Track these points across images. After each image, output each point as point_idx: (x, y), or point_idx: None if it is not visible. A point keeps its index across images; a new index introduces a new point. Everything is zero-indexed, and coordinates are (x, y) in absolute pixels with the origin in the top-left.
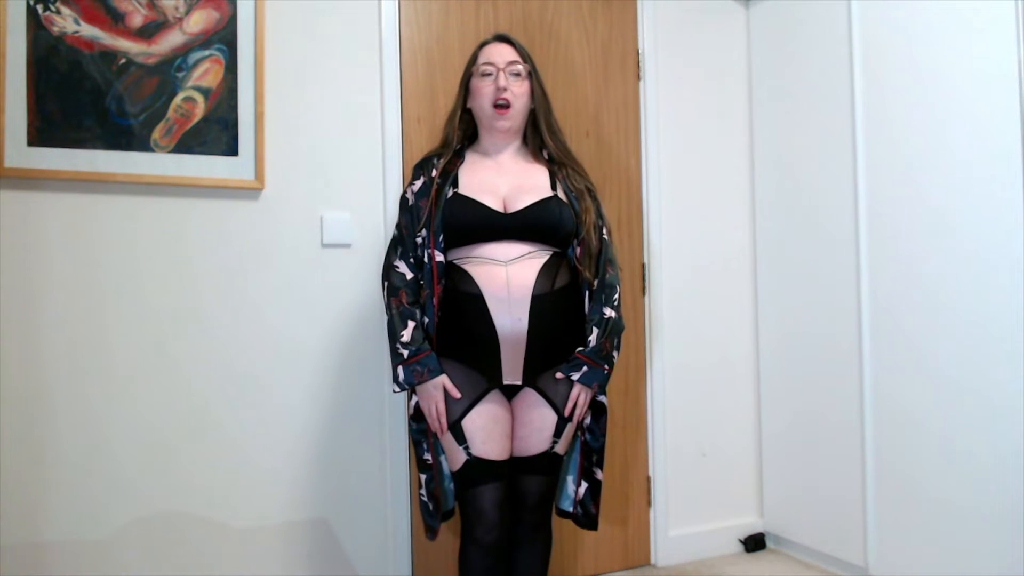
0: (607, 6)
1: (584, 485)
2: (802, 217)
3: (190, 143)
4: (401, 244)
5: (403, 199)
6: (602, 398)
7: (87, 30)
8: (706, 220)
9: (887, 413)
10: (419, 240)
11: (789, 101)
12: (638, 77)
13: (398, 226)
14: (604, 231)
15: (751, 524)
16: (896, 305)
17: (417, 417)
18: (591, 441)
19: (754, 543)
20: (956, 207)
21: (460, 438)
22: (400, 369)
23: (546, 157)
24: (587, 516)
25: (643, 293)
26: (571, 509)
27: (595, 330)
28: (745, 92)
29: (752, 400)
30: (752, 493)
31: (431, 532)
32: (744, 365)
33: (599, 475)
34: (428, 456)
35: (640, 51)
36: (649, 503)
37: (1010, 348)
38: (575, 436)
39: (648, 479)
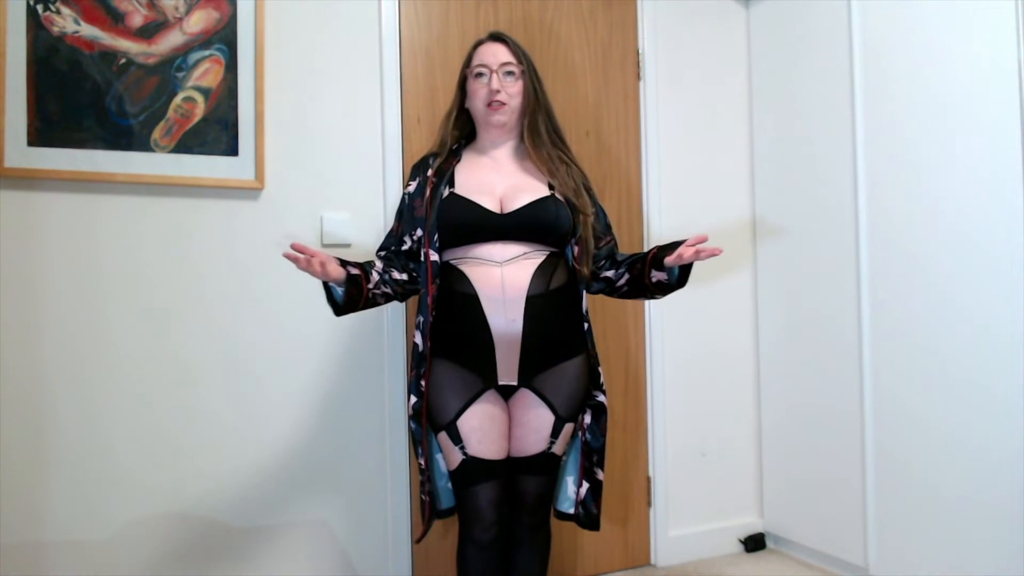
0: (607, 6)
1: (585, 485)
2: (803, 216)
3: (190, 143)
4: (383, 248)
5: (401, 200)
6: (602, 398)
7: (87, 30)
8: (706, 220)
9: (888, 412)
10: (408, 243)
11: (789, 101)
12: (638, 77)
13: (390, 229)
14: (608, 227)
15: (751, 524)
16: (897, 303)
17: (416, 417)
18: (591, 441)
19: (754, 543)
20: (956, 204)
21: (456, 438)
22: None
23: (545, 156)
24: (588, 516)
25: None
26: (571, 511)
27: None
28: (745, 92)
29: (752, 400)
30: (752, 493)
31: (420, 532)
32: (744, 365)
33: (600, 475)
34: (421, 460)
35: (640, 51)
36: (649, 503)
37: (1011, 344)
38: (574, 436)
39: (648, 479)
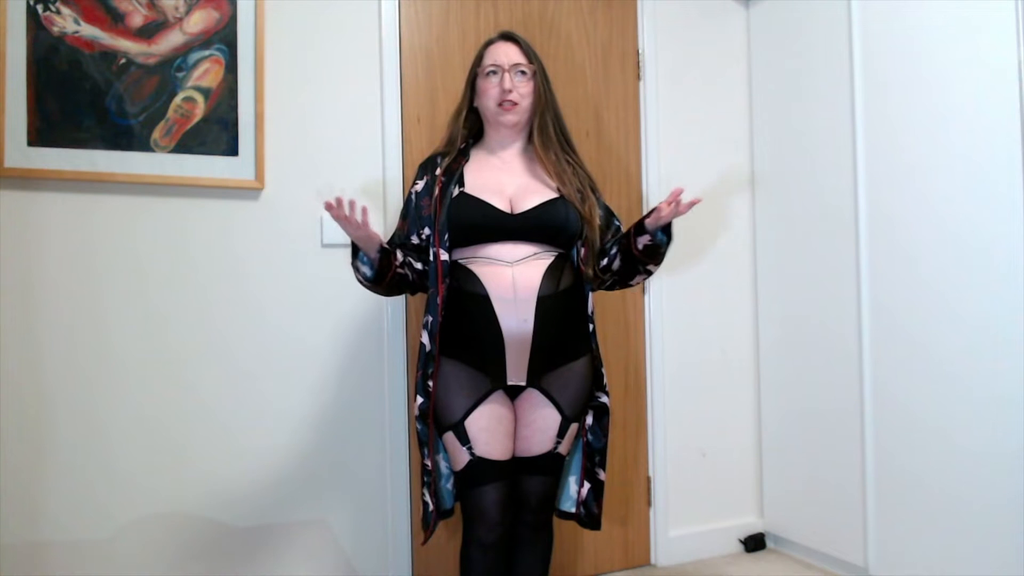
0: (607, 6)
1: (587, 486)
2: (802, 217)
3: (190, 143)
4: (390, 243)
5: (407, 199)
6: (604, 399)
7: (87, 30)
8: (707, 220)
9: (888, 412)
10: (415, 241)
11: (789, 101)
12: (638, 77)
13: (396, 228)
14: (615, 219)
15: (751, 524)
16: (896, 303)
17: (423, 418)
18: (593, 442)
19: (754, 543)
20: (956, 204)
21: (463, 438)
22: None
23: (553, 157)
24: (590, 516)
25: (643, 293)
26: (573, 510)
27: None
28: (745, 92)
29: (752, 400)
30: (752, 493)
31: (424, 534)
32: (744, 365)
33: (601, 475)
34: (428, 462)
35: (640, 51)
36: (649, 503)
37: (1010, 345)
38: (577, 436)
39: (648, 479)
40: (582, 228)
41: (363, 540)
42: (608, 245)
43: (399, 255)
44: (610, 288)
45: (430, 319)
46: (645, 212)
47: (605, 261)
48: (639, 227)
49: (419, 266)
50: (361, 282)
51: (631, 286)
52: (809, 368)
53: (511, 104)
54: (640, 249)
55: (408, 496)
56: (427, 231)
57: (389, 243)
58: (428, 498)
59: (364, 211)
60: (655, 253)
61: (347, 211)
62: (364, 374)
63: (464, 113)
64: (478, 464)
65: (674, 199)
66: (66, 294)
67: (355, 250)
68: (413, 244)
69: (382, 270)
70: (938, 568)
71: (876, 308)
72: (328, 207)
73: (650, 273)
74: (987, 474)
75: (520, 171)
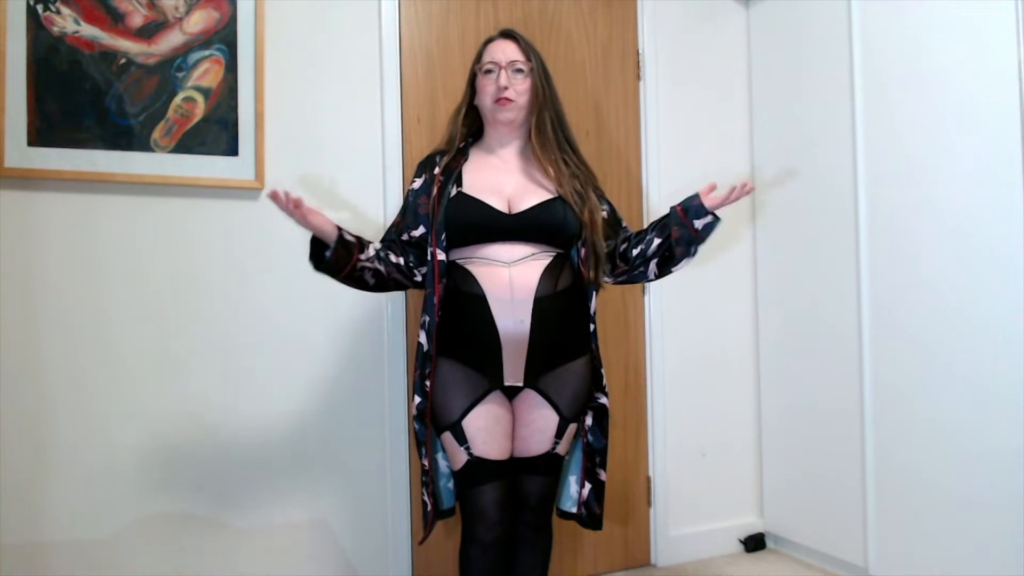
0: (607, 6)
1: (588, 486)
2: (803, 216)
3: (190, 143)
4: (384, 239)
5: (405, 197)
6: (603, 400)
7: (87, 30)
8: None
9: (888, 412)
10: (405, 238)
11: (789, 101)
12: (638, 77)
13: (392, 222)
14: (621, 221)
15: (751, 524)
16: (896, 302)
17: (420, 418)
18: (593, 442)
19: (754, 543)
20: (956, 203)
21: (461, 438)
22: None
23: (551, 156)
24: (591, 516)
25: (643, 293)
26: (574, 510)
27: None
28: (745, 92)
29: (752, 400)
30: (752, 493)
31: (423, 534)
32: (744, 365)
33: (602, 476)
34: (425, 461)
35: (640, 51)
36: (649, 503)
37: (1011, 343)
38: (576, 437)
39: (648, 479)
40: (580, 229)
41: (363, 540)
42: (645, 233)
43: (371, 250)
44: (629, 280)
45: (427, 319)
46: (643, 208)
47: (638, 250)
48: (694, 210)
49: (399, 261)
50: (317, 268)
51: (670, 272)
52: (809, 368)
53: (506, 100)
54: (698, 229)
55: (408, 496)
56: (421, 230)
57: (384, 239)
58: (426, 498)
59: (299, 201)
60: (711, 231)
61: (284, 201)
62: (364, 374)
63: (464, 111)
64: (476, 464)
65: (710, 191)
66: (66, 294)
67: (314, 238)
68: (403, 240)
69: (338, 260)
70: (938, 568)
71: (876, 307)
72: (272, 196)
73: (693, 255)
74: (987, 474)
75: (519, 170)
